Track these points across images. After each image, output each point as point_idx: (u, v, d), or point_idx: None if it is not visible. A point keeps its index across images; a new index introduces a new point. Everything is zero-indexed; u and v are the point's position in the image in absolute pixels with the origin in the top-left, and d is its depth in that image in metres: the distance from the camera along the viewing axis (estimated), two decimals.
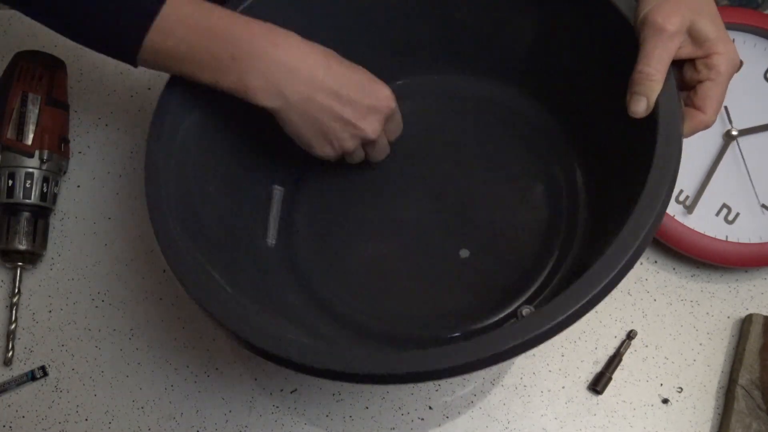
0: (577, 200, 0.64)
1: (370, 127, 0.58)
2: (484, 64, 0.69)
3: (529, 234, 0.64)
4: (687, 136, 0.53)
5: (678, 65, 0.54)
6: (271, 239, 0.65)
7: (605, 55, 0.60)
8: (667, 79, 0.52)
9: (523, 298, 0.62)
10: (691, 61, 0.53)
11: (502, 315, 0.61)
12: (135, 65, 0.54)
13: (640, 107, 0.53)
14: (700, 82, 0.53)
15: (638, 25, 0.53)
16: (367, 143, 0.60)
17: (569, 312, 0.47)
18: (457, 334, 0.61)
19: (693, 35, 0.52)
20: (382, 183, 0.67)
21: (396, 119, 0.61)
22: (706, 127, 0.54)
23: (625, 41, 0.55)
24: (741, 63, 0.54)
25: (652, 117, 0.52)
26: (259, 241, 0.65)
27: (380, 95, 0.58)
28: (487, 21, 0.65)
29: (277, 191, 0.67)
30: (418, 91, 0.70)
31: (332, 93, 0.55)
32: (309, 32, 0.57)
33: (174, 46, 0.52)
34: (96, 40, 0.55)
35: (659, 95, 0.52)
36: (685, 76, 0.54)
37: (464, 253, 0.63)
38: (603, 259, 0.48)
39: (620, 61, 0.56)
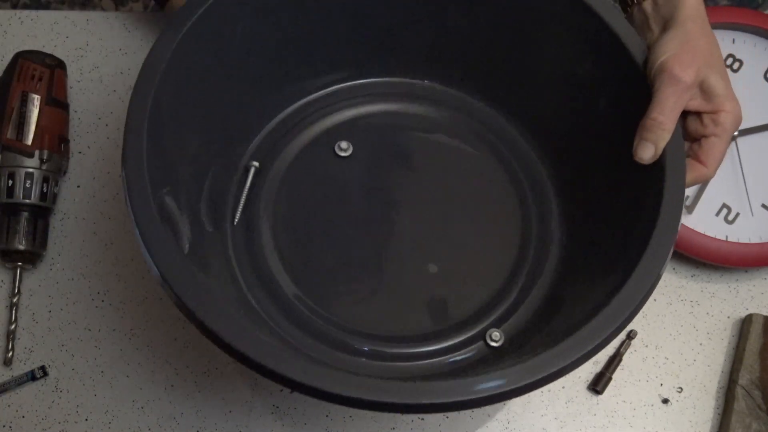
0: (549, 227, 0.64)
1: None
2: (471, 78, 0.68)
3: (500, 256, 0.63)
4: (686, 187, 0.53)
5: (683, 115, 0.54)
6: (237, 217, 0.63)
7: (606, 93, 0.59)
8: (675, 129, 0.52)
9: (490, 320, 0.61)
10: (697, 114, 0.54)
11: (467, 336, 0.60)
12: None
13: (647, 153, 0.52)
14: (705, 136, 0.54)
15: (653, 71, 0.53)
16: None
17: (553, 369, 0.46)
18: (419, 350, 0.60)
19: (704, 89, 0.53)
20: (355, 184, 0.65)
21: None
22: (706, 180, 0.55)
23: (629, 83, 0.55)
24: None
25: (658, 166, 0.52)
26: (221, 218, 0.63)
27: None
28: (483, 36, 0.64)
29: (253, 167, 0.64)
30: (399, 94, 0.69)
31: None
32: (296, 14, 0.58)
33: None
34: None
35: (667, 144, 0.52)
36: (689, 126, 0.54)
37: (433, 268, 0.62)
38: (610, 307, 0.48)
39: (621, 101, 0.56)
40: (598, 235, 0.60)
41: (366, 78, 0.69)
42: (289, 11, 0.61)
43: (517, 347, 0.59)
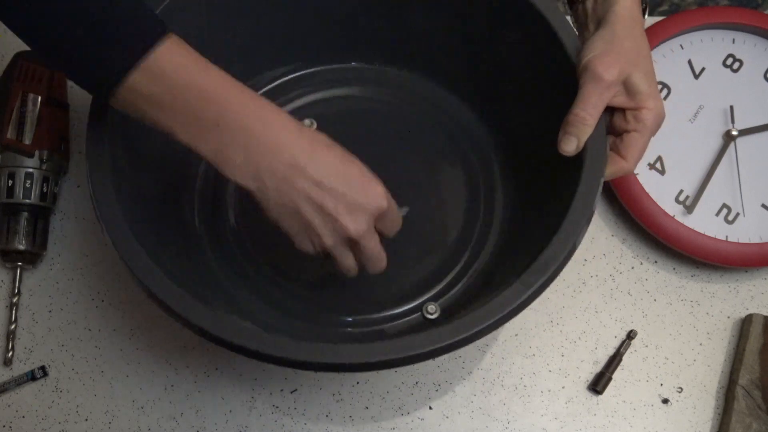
0: (492, 211, 0.68)
1: (353, 224, 0.52)
2: (428, 65, 0.71)
3: (444, 235, 0.67)
4: (606, 179, 0.56)
5: (609, 111, 0.56)
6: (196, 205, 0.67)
7: (545, 82, 0.62)
8: (598, 125, 0.55)
9: (429, 295, 0.65)
10: (622, 111, 0.56)
11: (405, 307, 0.65)
12: (105, 100, 0.49)
13: (570, 146, 0.55)
14: (627, 131, 0.56)
15: (580, 69, 0.56)
16: (353, 244, 0.54)
17: (478, 328, 0.51)
18: (358, 318, 0.64)
19: (627, 87, 0.55)
20: None
21: (390, 217, 0.55)
22: (626, 173, 0.57)
23: (564, 76, 0.58)
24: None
25: (580, 157, 0.56)
26: (186, 213, 0.67)
27: (370, 192, 0.52)
28: (439, 27, 0.67)
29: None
30: (361, 78, 0.72)
31: (313, 181, 0.50)
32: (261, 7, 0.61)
33: (159, 93, 0.47)
34: (72, 61, 0.47)
35: (589, 138, 0.55)
36: (614, 122, 0.57)
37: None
38: (508, 291, 0.52)
39: (557, 91, 0.59)
40: (531, 222, 0.63)
41: (332, 64, 0.72)
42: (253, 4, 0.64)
43: (449, 319, 0.62)
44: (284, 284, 0.65)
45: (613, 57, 0.54)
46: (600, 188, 0.55)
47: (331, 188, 0.51)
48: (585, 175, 0.55)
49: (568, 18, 0.61)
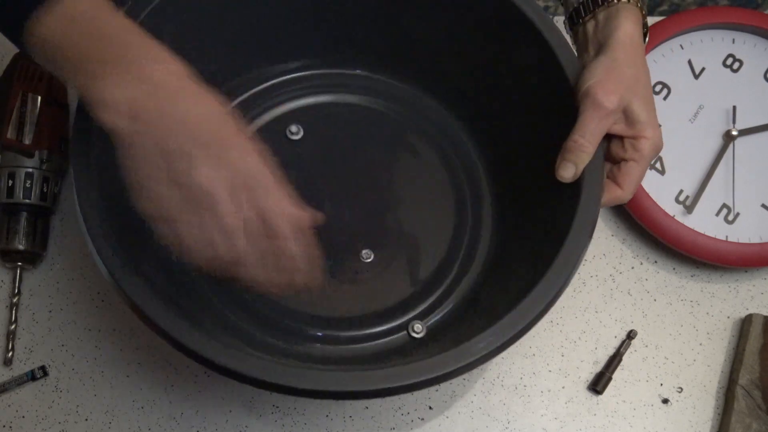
0: (480, 230, 0.67)
1: (228, 206, 0.45)
2: (422, 76, 0.70)
3: (432, 251, 0.66)
4: (602, 207, 0.55)
5: (607, 139, 0.56)
6: None
7: (540, 104, 0.62)
8: (596, 152, 0.55)
9: (414, 313, 0.64)
10: (620, 138, 0.56)
11: (391, 325, 0.64)
12: (22, 48, 0.47)
13: (568, 173, 0.55)
14: (625, 160, 0.56)
15: (580, 94, 0.55)
16: (230, 234, 0.46)
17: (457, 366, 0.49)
18: (344, 335, 0.63)
19: (627, 115, 0.55)
20: (302, 167, 0.67)
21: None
22: (621, 202, 0.57)
23: (561, 98, 0.57)
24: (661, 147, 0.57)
25: (577, 184, 0.55)
26: None
27: (265, 170, 0.47)
28: (434, 39, 0.66)
29: None
30: (352, 86, 0.71)
31: (201, 142, 0.45)
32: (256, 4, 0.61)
33: (60, 38, 0.45)
34: None
35: (586, 165, 0.55)
36: (611, 149, 0.57)
37: (367, 256, 0.65)
38: (501, 322, 0.51)
39: (554, 114, 0.58)
40: (520, 247, 0.63)
41: (324, 69, 0.71)
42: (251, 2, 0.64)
43: (435, 340, 0.62)
44: (269, 299, 0.64)
45: (613, 84, 0.54)
46: (597, 217, 0.54)
47: (219, 154, 0.46)
48: (582, 203, 0.54)
49: (568, 38, 0.60)
